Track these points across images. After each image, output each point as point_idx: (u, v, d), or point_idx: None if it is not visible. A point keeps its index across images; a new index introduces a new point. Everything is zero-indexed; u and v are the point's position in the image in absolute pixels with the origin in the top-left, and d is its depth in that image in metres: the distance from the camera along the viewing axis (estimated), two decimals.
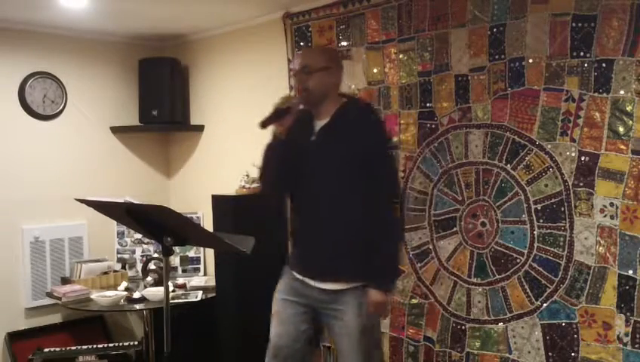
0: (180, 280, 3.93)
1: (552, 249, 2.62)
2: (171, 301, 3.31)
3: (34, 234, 3.87)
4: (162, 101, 4.20)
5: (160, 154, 4.58)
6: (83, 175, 4.12)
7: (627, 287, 2.41)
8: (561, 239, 2.59)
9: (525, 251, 2.70)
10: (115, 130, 4.30)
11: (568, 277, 2.57)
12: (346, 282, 2.37)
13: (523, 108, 2.68)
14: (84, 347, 3.54)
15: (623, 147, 2.42)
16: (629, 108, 2.39)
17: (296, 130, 2.44)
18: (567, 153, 2.56)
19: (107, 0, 3.39)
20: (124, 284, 3.83)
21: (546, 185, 2.63)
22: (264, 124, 2.37)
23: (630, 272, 2.40)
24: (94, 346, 3.56)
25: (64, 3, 3.38)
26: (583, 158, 2.52)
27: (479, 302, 2.84)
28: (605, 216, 2.47)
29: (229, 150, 4.08)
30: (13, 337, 3.78)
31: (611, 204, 2.45)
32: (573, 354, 2.56)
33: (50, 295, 3.82)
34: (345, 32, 3.29)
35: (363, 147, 2.34)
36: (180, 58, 4.35)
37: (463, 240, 2.90)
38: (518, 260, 2.71)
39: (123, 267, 4.14)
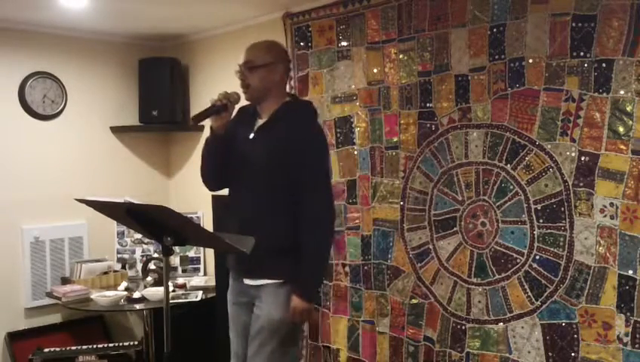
0: (180, 280, 3.93)
1: (552, 249, 2.62)
2: (171, 301, 3.31)
3: (34, 234, 3.87)
4: (162, 101, 4.20)
5: (160, 154, 4.58)
6: (83, 175, 4.12)
7: (627, 287, 2.41)
8: (561, 239, 2.59)
9: (525, 251, 2.70)
10: (115, 130, 4.30)
11: (568, 277, 2.57)
12: (267, 278, 2.42)
13: (523, 108, 2.67)
14: (84, 347, 3.54)
15: (623, 147, 2.41)
16: (629, 108, 2.39)
17: (239, 126, 2.49)
18: (567, 153, 2.56)
19: (107, 0, 3.39)
20: (124, 284, 3.83)
21: (546, 185, 2.63)
22: (197, 119, 2.37)
23: (630, 272, 2.40)
24: (94, 346, 3.56)
25: (64, 3, 3.38)
26: (583, 158, 2.52)
27: (479, 302, 2.84)
28: (605, 216, 2.47)
29: None
30: (13, 337, 3.78)
31: (611, 204, 2.45)
32: (573, 354, 2.56)
33: (50, 295, 3.82)
34: (345, 32, 3.29)
35: (292, 147, 2.37)
36: (180, 58, 4.35)
37: (463, 240, 2.90)
38: (518, 260, 2.71)
39: (123, 267, 4.14)
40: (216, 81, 4.18)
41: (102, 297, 3.58)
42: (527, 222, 2.69)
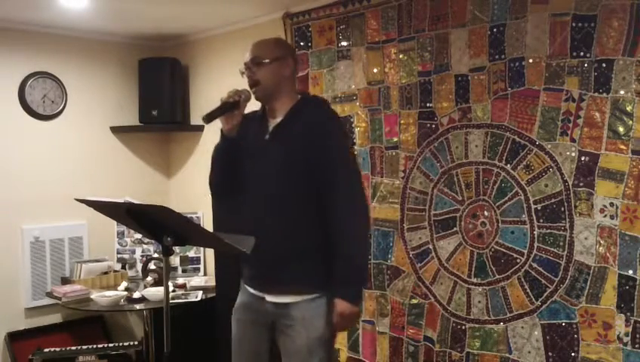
0: (180, 280, 3.93)
1: (552, 249, 2.62)
2: (171, 301, 3.31)
3: (34, 234, 3.87)
4: (162, 101, 4.20)
5: (160, 154, 4.58)
6: (83, 175, 4.12)
7: (627, 287, 2.41)
8: (561, 239, 2.59)
9: (525, 251, 2.70)
10: (115, 130, 4.30)
11: (568, 277, 2.57)
12: (297, 294, 2.20)
13: (523, 108, 2.67)
14: (84, 347, 3.54)
15: (623, 147, 2.41)
16: (629, 108, 2.39)
17: (250, 128, 2.32)
18: (567, 153, 2.56)
19: (107, 0, 3.39)
20: (124, 284, 3.83)
21: (546, 185, 2.63)
22: (209, 118, 2.20)
23: (630, 272, 2.40)
24: (94, 346, 3.56)
25: (64, 3, 3.38)
26: (583, 158, 2.52)
27: (479, 302, 2.84)
28: (605, 216, 2.47)
29: None
30: (13, 337, 3.78)
31: (611, 204, 2.45)
32: (573, 354, 2.56)
33: (50, 295, 3.82)
34: (345, 32, 3.29)
35: (318, 148, 2.19)
36: (180, 58, 4.35)
37: (463, 240, 2.90)
38: (518, 260, 2.71)
39: (123, 267, 4.14)
40: (217, 81, 4.19)
41: (102, 297, 3.58)
42: (527, 222, 2.69)
